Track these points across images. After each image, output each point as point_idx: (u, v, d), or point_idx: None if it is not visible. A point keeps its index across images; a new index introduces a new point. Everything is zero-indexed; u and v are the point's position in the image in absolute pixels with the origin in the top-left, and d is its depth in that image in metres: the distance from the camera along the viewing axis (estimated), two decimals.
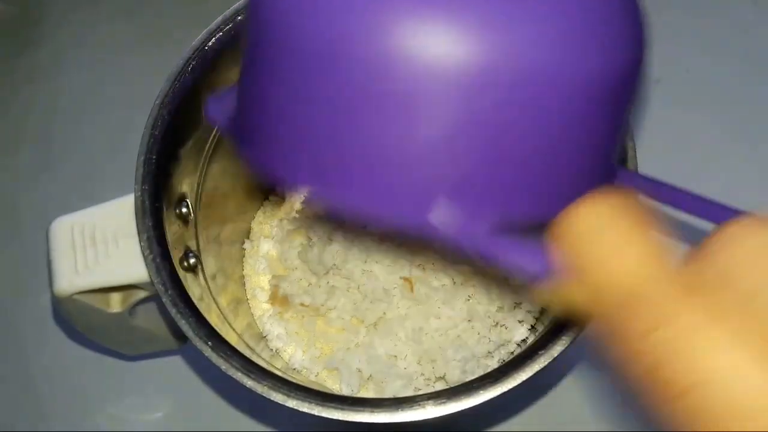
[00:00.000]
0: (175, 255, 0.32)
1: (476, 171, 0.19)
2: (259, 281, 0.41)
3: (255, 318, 0.40)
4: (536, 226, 0.21)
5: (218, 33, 0.34)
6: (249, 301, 0.41)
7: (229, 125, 0.24)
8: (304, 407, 0.28)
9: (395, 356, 0.37)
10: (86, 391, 0.43)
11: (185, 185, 0.34)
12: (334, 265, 0.39)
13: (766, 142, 0.47)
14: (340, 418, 0.28)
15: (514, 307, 0.38)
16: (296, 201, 0.43)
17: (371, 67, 0.19)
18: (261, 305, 0.41)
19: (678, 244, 0.20)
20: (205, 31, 0.34)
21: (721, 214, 0.22)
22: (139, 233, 0.31)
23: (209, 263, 0.36)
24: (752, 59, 0.49)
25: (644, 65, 0.22)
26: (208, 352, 0.29)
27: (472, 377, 0.30)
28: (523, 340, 0.38)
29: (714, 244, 0.19)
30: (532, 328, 0.38)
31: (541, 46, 0.19)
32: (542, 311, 0.38)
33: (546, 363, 0.29)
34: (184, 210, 0.34)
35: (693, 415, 0.17)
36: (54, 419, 0.43)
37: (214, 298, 0.34)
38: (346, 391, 0.37)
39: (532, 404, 0.41)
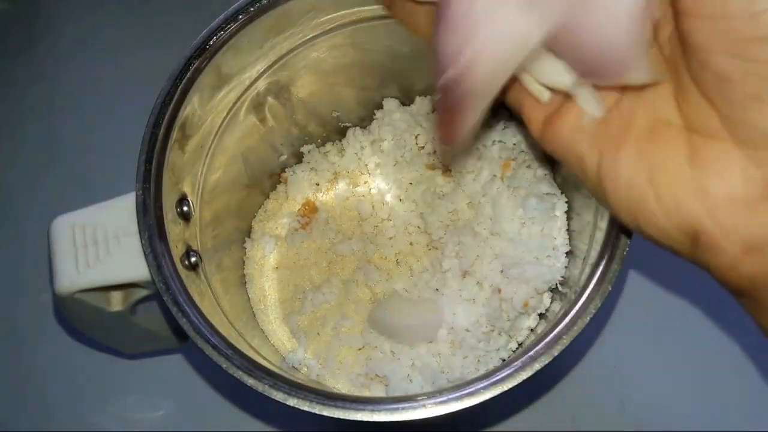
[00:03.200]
0: (176, 253, 0.32)
1: None
2: (261, 282, 0.41)
3: (256, 316, 0.40)
4: None
5: (219, 32, 0.34)
6: (250, 300, 0.41)
7: None
8: (305, 406, 0.28)
9: (398, 355, 0.37)
10: (87, 390, 0.43)
11: (186, 184, 0.34)
12: (338, 262, 0.39)
13: None
14: (341, 417, 0.28)
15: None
16: (297, 199, 0.43)
17: None
18: (262, 303, 0.41)
19: None
20: (206, 29, 0.34)
21: None
22: (140, 232, 0.31)
23: (210, 262, 0.36)
24: None
25: None
26: (208, 350, 0.29)
27: (473, 376, 0.30)
28: (532, 330, 0.38)
29: None
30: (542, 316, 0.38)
31: None
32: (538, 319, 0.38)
33: (546, 363, 0.29)
34: (185, 208, 0.34)
35: None
36: (54, 418, 0.43)
37: (214, 297, 0.34)
38: (347, 390, 0.37)
39: (532, 404, 0.41)
